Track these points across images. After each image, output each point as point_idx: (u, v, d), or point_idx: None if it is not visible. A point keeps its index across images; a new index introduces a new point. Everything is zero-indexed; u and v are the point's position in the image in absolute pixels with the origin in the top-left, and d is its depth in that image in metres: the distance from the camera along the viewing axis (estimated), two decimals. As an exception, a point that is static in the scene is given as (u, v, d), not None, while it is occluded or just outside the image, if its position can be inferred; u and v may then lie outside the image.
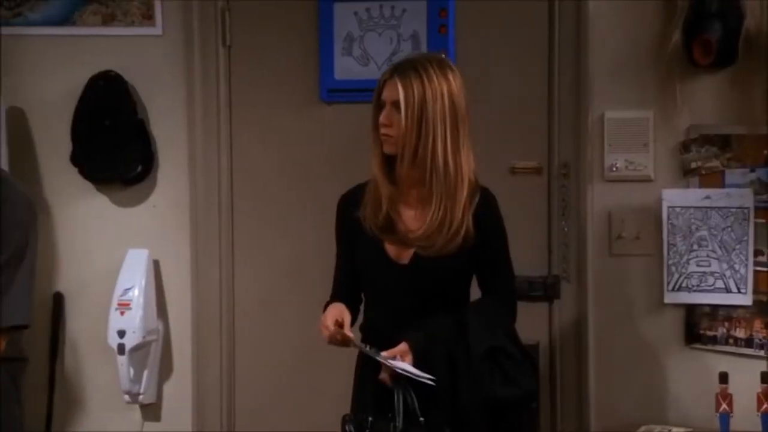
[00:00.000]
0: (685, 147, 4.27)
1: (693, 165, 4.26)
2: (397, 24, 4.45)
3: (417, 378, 3.31)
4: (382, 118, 3.40)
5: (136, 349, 4.43)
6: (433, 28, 4.42)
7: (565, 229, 4.37)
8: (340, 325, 3.37)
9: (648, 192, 4.27)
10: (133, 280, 4.45)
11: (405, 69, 3.38)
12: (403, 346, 3.35)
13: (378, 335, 3.44)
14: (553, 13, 4.37)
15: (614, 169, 4.31)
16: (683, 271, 4.27)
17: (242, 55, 4.53)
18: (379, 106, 3.45)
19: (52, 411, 4.56)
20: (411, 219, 3.46)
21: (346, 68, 4.46)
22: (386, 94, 3.41)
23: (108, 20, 4.52)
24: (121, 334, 4.39)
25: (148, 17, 4.52)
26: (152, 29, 4.49)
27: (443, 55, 3.50)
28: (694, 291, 4.24)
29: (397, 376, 3.35)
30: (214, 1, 4.49)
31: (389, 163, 3.45)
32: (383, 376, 3.39)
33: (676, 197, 4.26)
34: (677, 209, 4.27)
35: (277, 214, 4.57)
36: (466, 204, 3.42)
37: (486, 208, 3.47)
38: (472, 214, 3.43)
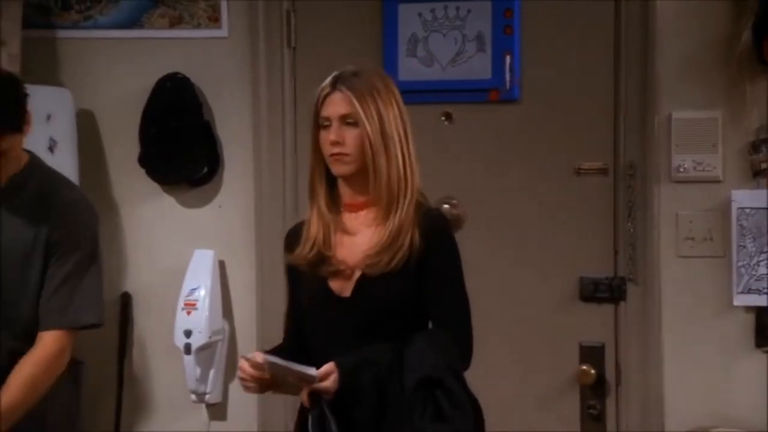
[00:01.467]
0: (754, 148, 3.65)
1: (763, 166, 3.63)
2: (461, 24, 3.83)
3: (299, 372, 2.50)
4: (332, 136, 2.63)
5: (202, 348, 3.82)
6: (498, 29, 3.78)
7: (632, 231, 3.75)
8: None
9: (716, 193, 3.62)
10: (199, 281, 3.86)
11: (350, 80, 2.64)
12: (329, 366, 2.54)
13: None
14: (619, 13, 3.69)
15: (681, 170, 3.68)
16: (753, 273, 3.64)
17: (307, 56, 3.89)
18: (318, 125, 2.69)
19: (121, 410, 3.99)
20: (354, 244, 2.67)
21: (410, 69, 3.82)
22: (331, 110, 2.66)
23: (175, 23, 3.97)
24: (188, 333, 3.80)
25: (214, 19, 3.96)
26: (218, 31, 3.90)
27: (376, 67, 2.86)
28: (765, 293, 3.64)
29: (315, 398, 2.55)
30: (279, 2, 3.87)
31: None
32: (303, 396, 2.59)
33: (745, 198, 3.61)
34: (747, 210, 3.64)
35: (341, 214, 4.00)
36: (412, 217, 2.65)
37: (434, 228, 2.67)
38: (420, 233, 2.64)
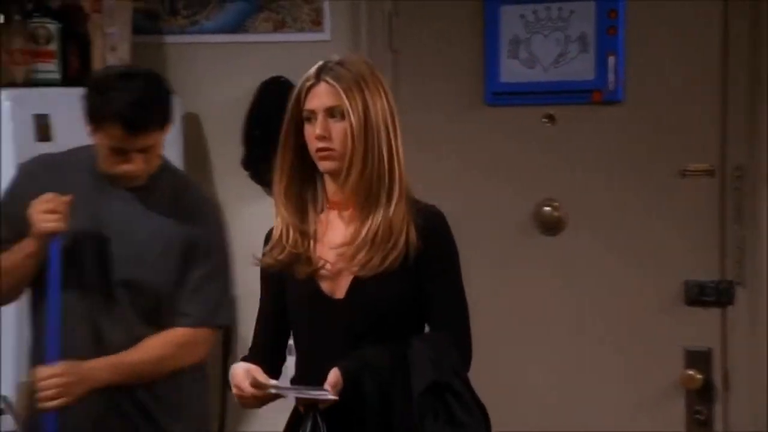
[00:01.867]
0: None
1: None
2: (564, 26, 3.64)
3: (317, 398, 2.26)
4: (318, 130, 2.34)
5: None
6: (601, 30, 3.58)
7: (740, 233, 3.54)
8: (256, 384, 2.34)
9: (828, 195, 3.44)
10: None
11: (335, 70, 2.37)
12: (335, 376, 2.26)
13: None
14: (727, 13, 3.48)
15: (790, 171, 3.48)
16: None
17: (408, 59, 3.72)
18: (299, 119, 2.39)
19: (226, 410, 3.91)
20: (337, 242, 2.38)
21: (511, 71, 3.64)
22: (316, 102, 2.36)
23: (278, 27, 3.85)
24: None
25: (317, 23, 3.83)
26: (321, 35, 3.77)
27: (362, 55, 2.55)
28: None
29: (309, 405, 2.32)
30: (381, 5, 3.72)
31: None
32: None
33: None
34: None
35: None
36: (406, 212, 2.36)
37: (432, 226, 2.39)
38: (417, 231, 2.35)
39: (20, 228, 2.74)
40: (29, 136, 3.30)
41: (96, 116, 2.70)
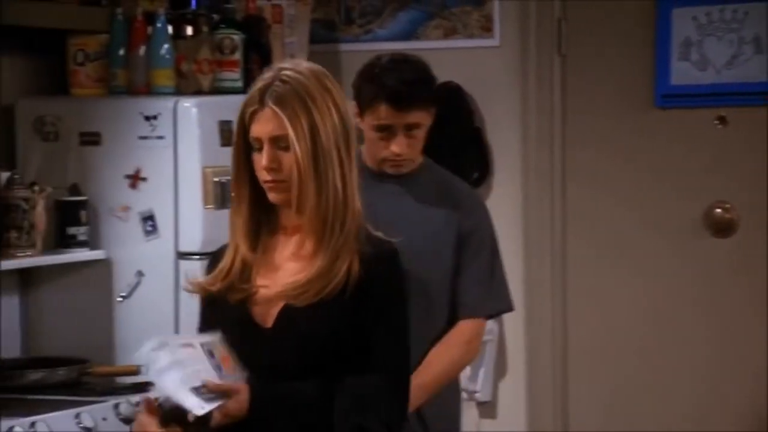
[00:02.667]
0: None
1: None
2: (738, 27, 3.34)
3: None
4: (266, 161, 1.98)
5: None
6: (776, 31, 3.33)
7: None
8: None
9: None
10: None
11: (278, 91, 1.97)
12: (239, 384, 1.91)
13: None
14: None
15: None
16: None
17: (577, 63, 3.51)
18: (247, 147, 2.00)
19: None
20: (281, 270, 2.02)
21: (682, 73, 3.38)
22: (260, 130, 1.98)
23: (449, 33, 3.67)
24: (458, 333, 3.57)
25: (486, 29, 3.64)
26: (490, 41, 3.57)
27: (311, 63, 2.07)
28: None
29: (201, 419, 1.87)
30: (551, 11, 3.52)
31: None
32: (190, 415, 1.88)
33: None
34: None
35: (609, 218, 3.52)
36: (352, 243, 1.98)
37: (378, 257, 1.98)
38: (361, 261, 1.96)
39: None
40: (215, 140, 3.22)
41: (367, 96, 2.58)
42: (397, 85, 2.56)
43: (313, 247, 2.01)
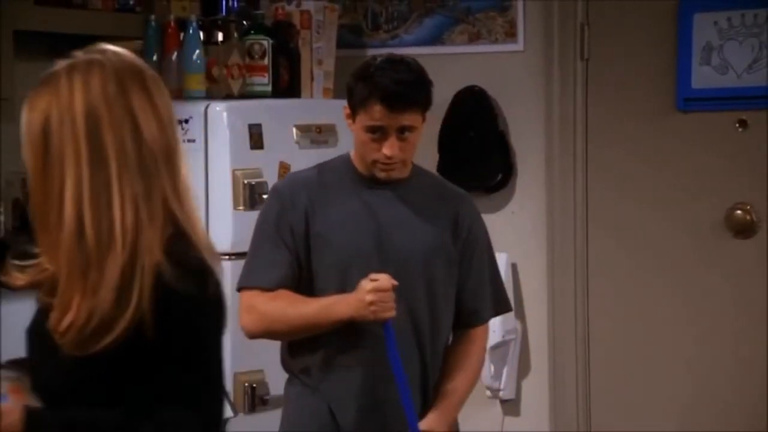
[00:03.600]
0: None
1: None
2: (759, 32, 3.27)
3: None
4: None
5: (496, 347, 3.42)
6: (799, 36, 3.29)
7: None
8: None
9: None
10: None
11: (47, 76, 1.59)
12: (12, 406, 1.62)
13: None
14: None
15: None
16: None
17: (599, 67, 3.47)
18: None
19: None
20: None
21: (703, 77, 3.33)
22: None
23: (474, 38, 3.64)
24: (483, 332, 3.56)
25: (510, 34, 3.61)
26: (514, 45, 3.54)
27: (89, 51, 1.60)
28: None
29: None
30: (574, 16, 3.48)
31: None
32: None
33: None
34: None
35: (631, 219, 3.48)
36: (126, 283, 1.55)
37: (171, 300, 1.57)
38: (156, 300, 1.55)
39: (297, 255, 2.40)
40: (244, 143, 3.23)
41: (360, 96, 2.40)
42: (392, 85, 2.39)
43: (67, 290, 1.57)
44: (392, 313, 2.30)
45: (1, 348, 2.61)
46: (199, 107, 3.20)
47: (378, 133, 2.40)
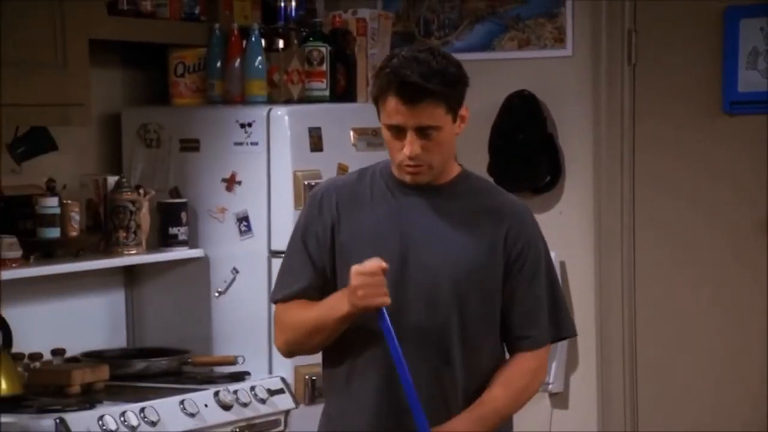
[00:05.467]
0: None
1: None
2: (804, 37, 3.33)
3: None
4: None
5: None
6: None
7: None
8: None
9: None
10: None
11: None
12: None
13: None
14: None
15: None
16: None
17: (646, 72, 3.46)
18: None
19: None
20: None
21: (749, 82, 3.31)
22: None
23: (523, 45, 3.63)
24: (531, 328, 3.55)
25: (559, 41, 3.60)
26: (563, 51, 3.54)
27: None
28: None
29: None
30: (621, 22, 3.48)
31: None
32: None
33: None
34: None
35: (677, 220, 3.47)
36: None
37: None
38: None
39: (322, 263, 2.16)
40: (304, 145, 3.24)
41: (378, 90, 2.11)
42: (408, 75, 2.06)
43: None
44: (384, 300, 2.04)
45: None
46: (261, 111, 3.22)
47: (398, 131, 2.09)
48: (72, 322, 3.17)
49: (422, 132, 2.07)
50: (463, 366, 2.13)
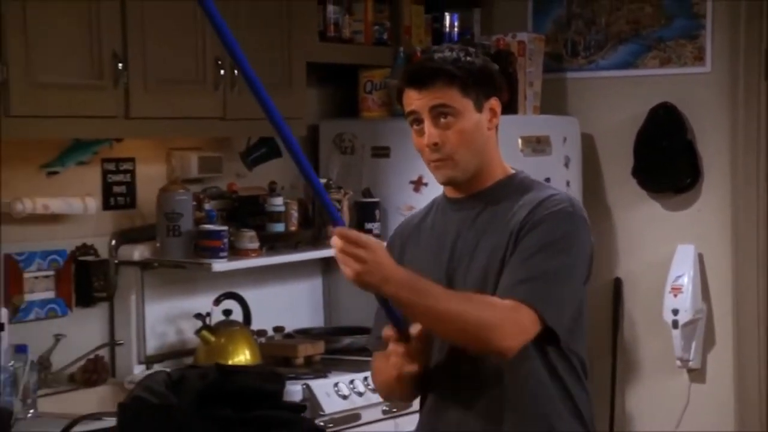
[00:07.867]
0: None
1: None
2: None
3: None
4: None
5: (686, 324, 3.68)
6: None
7: None
8: None
9: None
10: (683, 269, 3.72)
11: None
12: None
13: None
14: None
15: None
16: None
17: (782, 87, 3.69)
18: None
19: (615, 372, 3.92)
20: None
21: None
22: None
23: (664, 62, 3.84)
24: (675, 312, 3.68)
25: (699, 58, 3.81)
26: (702, 68, 3.76)
27: None
28: None
29: None
30: (759, 42, 3.66)
31: None
32: None
33: None
34: None
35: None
36: None
37: None
38: None
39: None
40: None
41: (398, 92, 1.98)
42: (424, 62, 1.94)
43: None
44: (414, 368, 1.89)
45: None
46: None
47: (418, 123, 1.94)
48: (285, 305, 3.51)
49: (437, 115, 1.91)
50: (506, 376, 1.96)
